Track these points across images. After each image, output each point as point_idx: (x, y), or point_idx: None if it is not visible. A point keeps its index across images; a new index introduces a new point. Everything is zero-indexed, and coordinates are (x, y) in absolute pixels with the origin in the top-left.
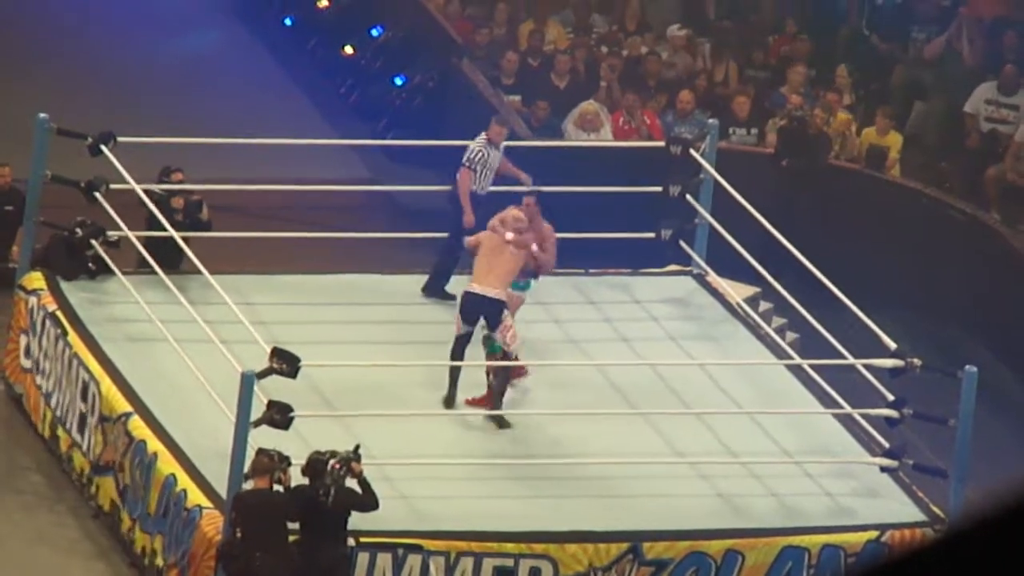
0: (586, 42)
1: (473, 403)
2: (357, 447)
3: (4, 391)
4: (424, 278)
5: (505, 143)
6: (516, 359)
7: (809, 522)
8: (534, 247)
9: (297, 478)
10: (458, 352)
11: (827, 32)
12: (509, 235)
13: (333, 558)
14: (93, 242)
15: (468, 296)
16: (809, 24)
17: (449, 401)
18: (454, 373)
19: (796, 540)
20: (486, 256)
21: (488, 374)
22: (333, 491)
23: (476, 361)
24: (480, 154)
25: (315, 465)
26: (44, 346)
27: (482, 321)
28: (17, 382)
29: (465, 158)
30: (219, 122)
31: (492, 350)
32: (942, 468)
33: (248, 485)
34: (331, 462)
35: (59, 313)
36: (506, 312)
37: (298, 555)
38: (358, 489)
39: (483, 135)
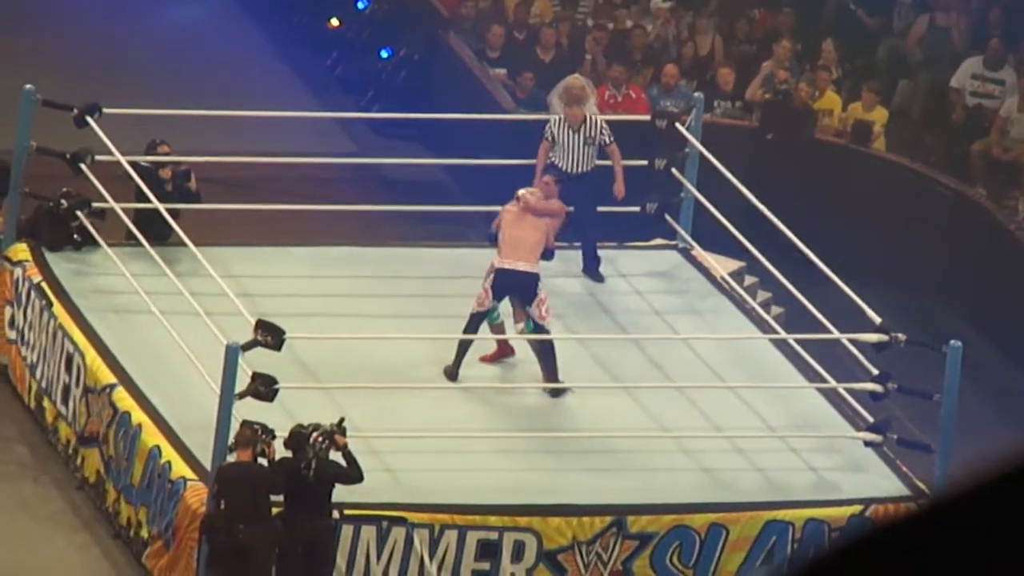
0: (571, 15)
1: (487, 359)
2: (341, 420)
3: None
4: (404, 250)
5: (603, 121)
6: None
7: (793, 496)
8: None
9: (281, 451)
10: (471, 328)
11: (813, 6)
12: (530, 194)
13: (316, 530)
14: (78, 213)
15: (500, 272)
16: None
17: (452, 374)
18: (463, 347)
19: (780, 514)
20: (508, 230)
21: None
22: (315, 463)
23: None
24: (550, 129)
25: (297, 437)
26: (29, 317)
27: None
28: (2, 353)
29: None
30: (205, 94)
31: (492, 319)
32: (926, 443)
33: (232, 457)
34: (314, 435)
35: (44, 284)
36: (540, 285)
37: (281, 527)
38: (342, 462)
39: (560, 116)
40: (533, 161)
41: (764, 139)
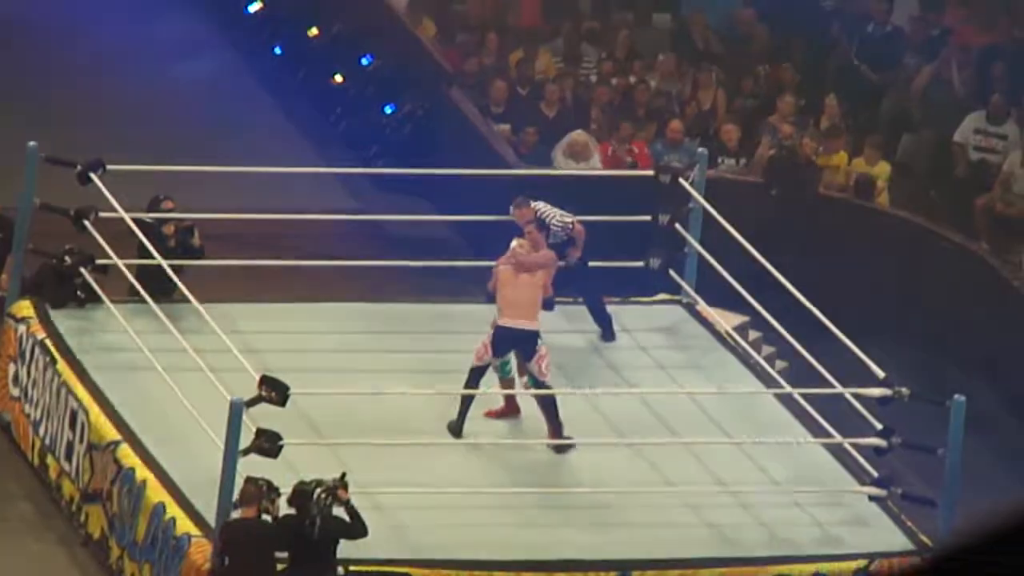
0: (575, 71)
1: (492, 415)
2: (343, 475)
3: None
4: (409, 306)
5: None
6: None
7: (798, 551)
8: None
9: (285, 508)
10: (472, 382)
11: (817, 61)
12: (520, 247)
13: None
14: (82, 270)
15: (499, 330)
16: (799, 53)
17: (456, 430)
18: (466, 403)
19: (785, 569)
20: (505, 290)
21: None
22: (319, 520)
23: (473, 389)
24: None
25: (301, 494)
26: (33, 374)
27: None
28: (6, 410)
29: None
30: (209, 151)
31: (504, 374)
32: (931, 497)
33: (237, 514)
34: (317, 491)
35: (48, 341)
36: (541, 342)
37: None
38: (346, 517)
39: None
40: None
41: (768, 194)
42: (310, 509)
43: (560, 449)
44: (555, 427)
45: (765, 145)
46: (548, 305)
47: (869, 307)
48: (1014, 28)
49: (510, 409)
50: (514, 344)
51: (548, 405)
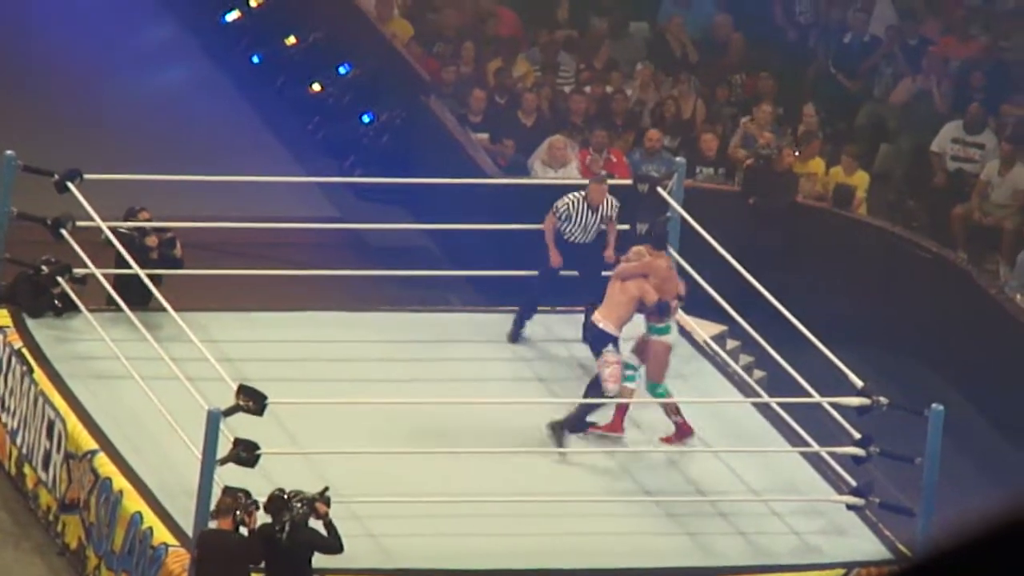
0: (552, 80)
1: (666, 440)
2: (325, 489)
3: None
4: (387, 315)
5: (615, 201)
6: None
7: (776, 560)
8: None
9: (263, 519)
10: (591, 386)
11: (794, 70)
12: (626, 261)
13: None
14: (59, 279)
15: (585, 323)
16: (776, 62)
17: (574, 426)
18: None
19: None
20: (607, 290)
21: (669, 414)
22: (288, 527)
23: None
24: (566, 209)
25: (276, 502)
26: (10, 383)
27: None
28: None
29: (554, 206)
30: (187, 159)
31: (627, 380)
32: (908, 506)
33: (213, 524)
34: (293, 500)
35: (25, 350)
36: (610, 348)
37: None
38: (323, 531)
39: (581, 193)
40: (514, 226)
41: (746, 203)
42: (282, 516)
43: (557, 436)
44: (573, 421)
45: (735, 144)
46: (661, 309)
47: (847, 317)
48: (991, 38)
49: (684, 433)
50: (587, 338)
51: (585, 406)
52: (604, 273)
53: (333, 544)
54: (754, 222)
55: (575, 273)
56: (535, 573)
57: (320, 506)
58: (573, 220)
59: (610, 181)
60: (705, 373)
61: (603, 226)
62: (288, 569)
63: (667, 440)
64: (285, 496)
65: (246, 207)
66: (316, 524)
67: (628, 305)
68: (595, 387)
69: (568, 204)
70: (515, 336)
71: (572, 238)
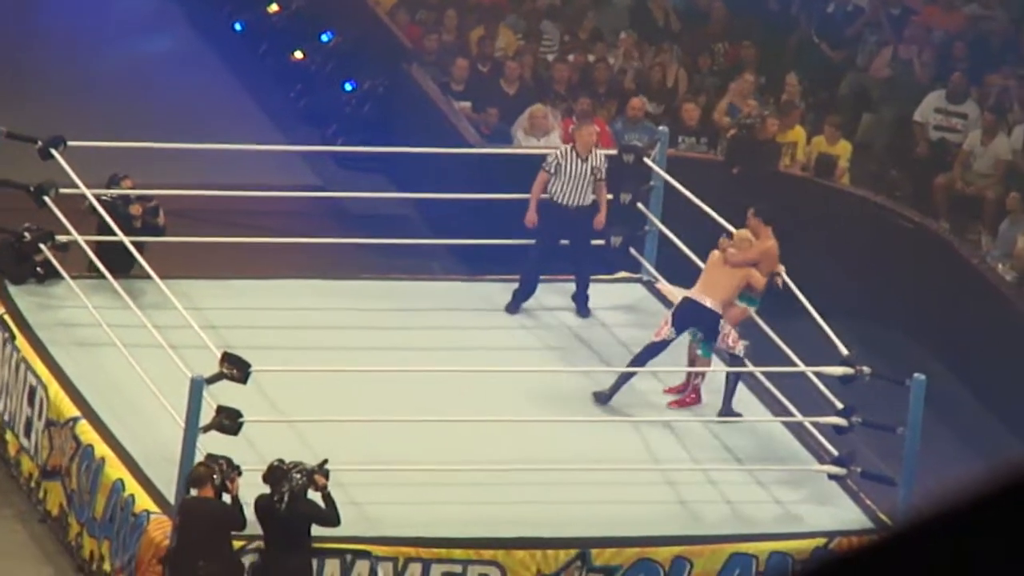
0: (535, 48)
1: (674, 404)
2: (324, 461)
3: None
4: (369, 283)
5: (604, 155)
6: (744, 360)
7: (757, 529)
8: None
9: (253, 486)
10: (642, 357)
11: (776, 39)
12: (730, 255)
13: (291, 568)
14: (42, 246)
15: (685, 302)
16: (758, 31)
17: (604, 399)
18: (623, 377)
19: (744, 547)
20: (708, 270)
21: (690, 376)
22: (287, 497)
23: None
24: (555, 160)
25: (275, 472)
26: None
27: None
28: None
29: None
30: (169, 127)
31: (705, 354)
32: (890, 476)
33: (194, 492)
34: (292, 471)
35: (7, 317)
36: (723, 322)
37: (258, 562)
38: (321, 503)
39: (569, 144)
40: (497, 196)
41: (729, 172)
42: (282, 487)
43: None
44: (728, 404)
45: (721, 111)
46: (753, 299)
47: (829, 286)
48: (975, 8)
49: (692, 397)
50: (693, 319)
51: (732, 380)
52: (595, 242)
53: (330, 516)
54: (737, 191)
55: (567, 242)
56: (517, 541)
57: (319, 478)
58: (563, 171)
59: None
60: (687, 342)
61: (592, 189)
62: (286, 539)
63: (674, 403)
64: (284, 467)
65: (228, 175)
66: (314, 496)
67: (735, 290)
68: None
69: (556, 154)
70: (514, 308)
71: (563, 199)
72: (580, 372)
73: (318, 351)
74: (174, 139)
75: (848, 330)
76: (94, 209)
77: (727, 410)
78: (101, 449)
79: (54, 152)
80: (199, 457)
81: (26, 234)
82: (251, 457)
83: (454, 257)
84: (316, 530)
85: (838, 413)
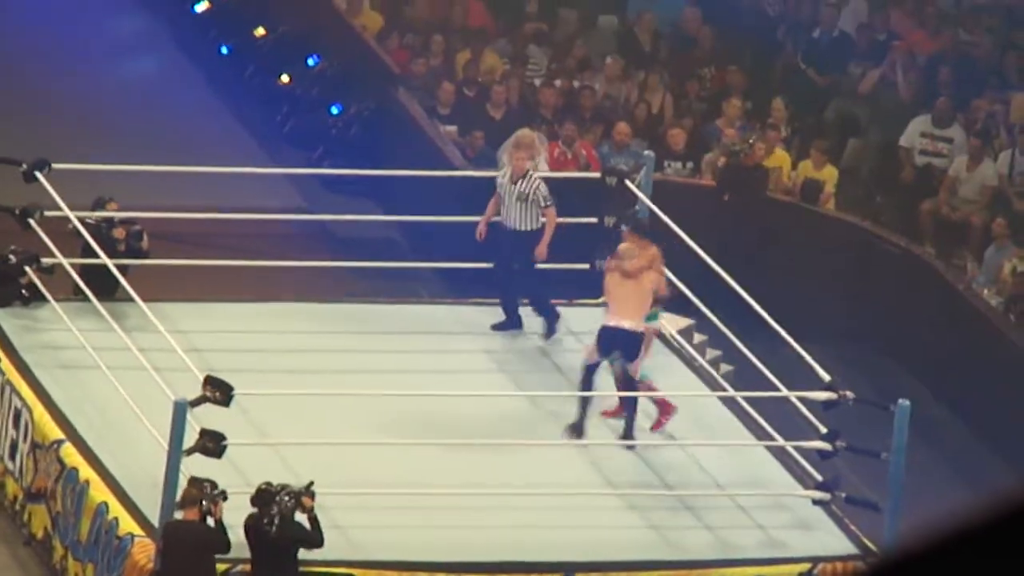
0: (521, 73)
1: (608, 414)
2: (310, 484)
3: None
4: (354, 306)
5: (528, 185)
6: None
7: (741, 555)
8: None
9: (237, 509)
10: (585, 380)
11: (763, 65)
12: (626, 265)
13: None
14: (27, 268)
15: (603, 330)
16: (745, 57)
17: (578, 430)
18: (583, 402)
19: (728, 572)
20: (613, 294)
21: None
22: (278, 520)
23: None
24: (499, 183)
25: (264, 495)
26: None
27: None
28: None
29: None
30: (155, 150)
31: (643, 376)
32: (874, 501)
33: (179, 515)
34: (281, 493)
35: None
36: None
37: None
38: (307, 525)
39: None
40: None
41: (715, 197)
42: (271, 509)
43: (577, 434)
44: (629, 426)
45: (715, 151)
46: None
47: (815, 311)
48: (960, 33)
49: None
50: (616, 344)
51: (632, 403)
52: (580, 266)
53: (315, 538)
54: (722, 216)
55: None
56: (500, 565)
57: (306, 500)
58: (502, 194)
59: (578, 175)
60: (672, 367)
61: (540, 214)
62: (274, 562)
63: (657, 425)
64: (273, 489)
65: (215, 198)
66: (300, 518)
67: (647, 300)
68: (628, 385)
69: (500, 174)
70: (549, 333)
71: (505, 222)
72: (566, 397)
73: (301, 374)
74: (160, 162)
75: (834, 354)
76: (78, 232)
77: (628, 434)
78: (86, 472)
79: (39, 175)
80: (183, 480)
81: (11, 256)
82: (235, 480)
83: (441, 280)
84: (300, 553)
85: (822, 438)
